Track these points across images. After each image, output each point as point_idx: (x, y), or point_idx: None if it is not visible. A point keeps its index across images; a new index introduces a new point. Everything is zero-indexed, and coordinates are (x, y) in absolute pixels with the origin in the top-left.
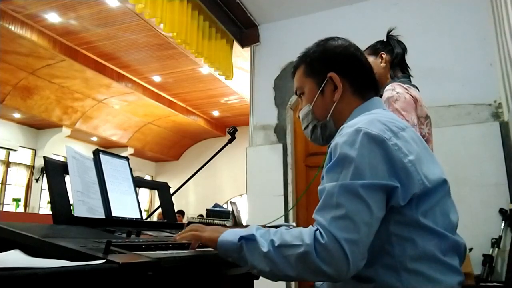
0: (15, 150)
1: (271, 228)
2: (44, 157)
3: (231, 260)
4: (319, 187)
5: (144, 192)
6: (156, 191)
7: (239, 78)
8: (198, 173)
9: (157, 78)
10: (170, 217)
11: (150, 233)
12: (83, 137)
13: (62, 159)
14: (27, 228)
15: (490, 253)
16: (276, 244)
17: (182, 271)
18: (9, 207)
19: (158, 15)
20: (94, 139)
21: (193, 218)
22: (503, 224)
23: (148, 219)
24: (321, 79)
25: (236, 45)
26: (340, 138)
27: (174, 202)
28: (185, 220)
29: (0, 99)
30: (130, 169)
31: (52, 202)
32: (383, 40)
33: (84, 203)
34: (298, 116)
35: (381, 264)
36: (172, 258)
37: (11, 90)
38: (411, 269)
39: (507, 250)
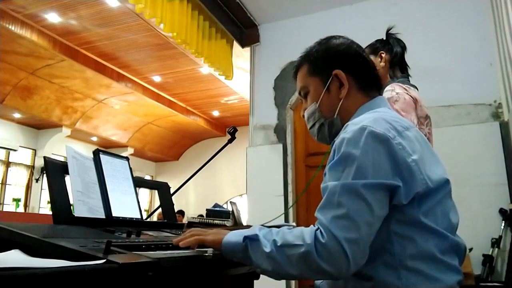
0: (15, 150)
1: (274, 228)
2: (44, 157)
3: (236, 260)
4: (322, 185)
5: (144, 192)
6: (156, 191)
7: (239, 78)
8: (198, 173)
9: (157, 78)
10: (170, 217)
11: (150, 233)
12: (83, 137)
13: (62, 159)
14: (27, 228)
15: (490, 253)
16: (278, 244)
17: (182, 271)
18: (9, 207)
19: (158, 15)
20: (94, 139)
21: (193, 218)
22: (503, 224)
23: (148, 219)
24: (326, 77)
25: (236, 45)
26: (344, 135)
27: (174, 202)
28: (185, 220)
29: (0, 99)
30: (130, 169)
31: (52, 202)
32: (382, 38)
33: (84, 203)
34: (303, 116)
35: (381, 262)
36: (172, 258)
37: (11, 90)
38: (410, 267)
39: (507, 250)
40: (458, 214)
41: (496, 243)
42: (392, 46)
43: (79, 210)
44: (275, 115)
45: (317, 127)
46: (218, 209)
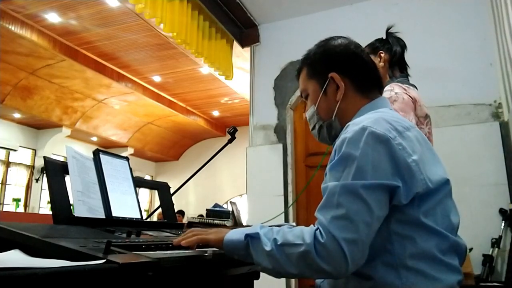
0: (15, 150)
1: (275, 227)
2: (44, 157)
3: (237, 258)
4: (322, 185)
5: (144, 192)
6: (156, 191)
7: (239, 78)
8: (198, 173)
9: (157, 78)
10: (170, 217)
11: (150, 233)
12: (83, 137)
13: (62, 159)
14: (27, 228)
15: (490, 253)
16: (278, 243)
17: (182, 271)
18: (9, 207)
19: (158, 15)
20: (94, 139)
21: (193, 218)
22: (503, 224)
23: (148, 219)
24: (323, 79)
25: (236, 45)
26: (345, 135)
27: (174, 202)
28: (185, 220)
29: (0, 99)
30: (130, 169)
31: (52, 202)
32: (382, 38)
33: (84, 203)
34: (305, 117)
35: (381, 262)
36: (172, 258)
37: (11, 90)
38: (410, 267)
39: (507, 250)
40: (459, 215)
41: (496, 243)
42: (391, 46)
43: (79, 210)
44: (275, 115)
45: (317, 129)
46: (218, 209)
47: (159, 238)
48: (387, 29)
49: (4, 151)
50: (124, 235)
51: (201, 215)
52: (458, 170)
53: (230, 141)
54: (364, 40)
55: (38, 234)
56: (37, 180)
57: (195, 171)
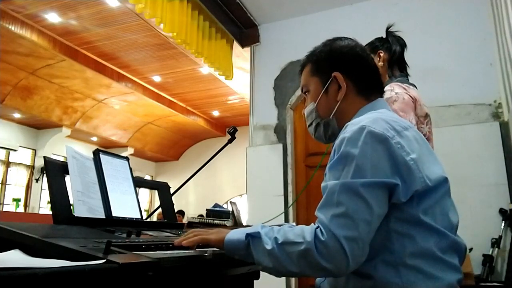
0: (15, 150)
1: (275, 226)
2: (44, 157)
3: (238, 258)
4: (322, 184)
5: (144, 192)
6: (156, 191)
7: (239, 78)
8: (198, 173)
9: (157, 78)
10: (170, 217)
11: (150, 233)
12: (83, 137)
13: (62, 159)
14: (27, 228)
15: (490, 253)
16: (279, 242)
17: (182, 271)
18: (9, 207)
19: (158, 15)
20: (94, 139)
21: (193, 218)
22: (503, 224)
23: (148, 219)
24: (326, 78)
25: (236, 45)
26: (344, 135)
27: (174, 202)
28: (185, 220)
29: (0, 99)
30: (130, 169)
31: (52, 202)
32: (382, 37)
33: (84, 203)
34: (303, 113)
35: (381, 260)
36: (172, 258)
37: (11, 90)
38: (410, 265)
39: (507, 250)
40: (458, 214)
41: (496, 243)
42: (391, 45)
43: (79, 210)
44: (275, 115)
45: (314, 126)
46: (218, 209)
47: (159, 238)
48: (387, 28)
49: (4, 151)
50: (124, 235)
51: (201, 215)
52: (458, 170)
53: (230, 141)
54: (364, 40)
55: (38, 234)
56: (37, 180)
57: (195, 171)
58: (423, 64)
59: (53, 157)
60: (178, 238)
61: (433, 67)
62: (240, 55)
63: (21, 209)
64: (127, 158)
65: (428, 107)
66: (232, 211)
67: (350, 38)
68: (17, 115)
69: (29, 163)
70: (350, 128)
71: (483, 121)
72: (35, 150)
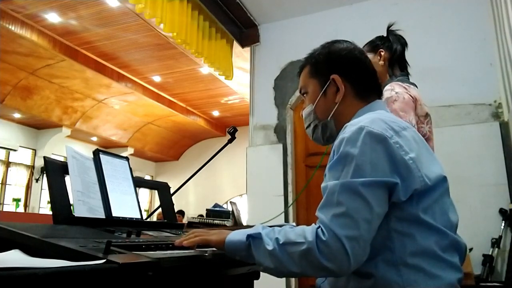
0: (15, 150)
1: (276, 227)
2: (44, 157)
3: (239, 259)
4: (322, 185)
5: (144, 192)
6: (156, 191)
7: (239, 78)
8: (198, 173)
9: (157, 78)
10: (170, 217)
11: (150, 233)
12: (83, 137)
13: (62, 159)
14: (27, 228)
15: (490, 253)
16: (280, 242)
17: (182, 271)
18: (9, 207)
19: (158, 15)
20: (94, 139)
21: (193, 218)
22: (503, 224)
23: (148, 219)
24: (324, 80)
25: (236, 45)
26: (343, 135)
27: (174, 202)
28: (185, 220)
29: (0, 99)
30: (130, 169)
31: (52, 202)
32: (382, 35)
33: (84, 203)
34: (301, 115)
35: (382, 260)
36: (172, 258)
37: (11, 90)
38: (410, 264)
39: (507, 250)
40: (458, 214)
41: (496, 243)
42: (392, 44)
43: (79, 210)
44: (275, 115)
45: (312, 128)
46: (218, 209)
47: (159, 238)
48: (388, 27)
49: (4, 151)
50: (124, 235)
51: (201, 215)
52: (458, 170)
53: (230, 141)
54: (364, 40)
55: (38, 234)
56: (37, 180)
57: (195, 171)
58: (423, 64)
59: (53, 157)
60: (178, 238)
61: (433, 67)
62: (240, 55)
63: (21, 209)
64: (127, 158)
65: (428, 107)
66: (232, 211)
67: (348, 41)
68: (17, 115)
69: (29, 163)
70: (349, 128)
71: (483, 121)
72: (35, 150)
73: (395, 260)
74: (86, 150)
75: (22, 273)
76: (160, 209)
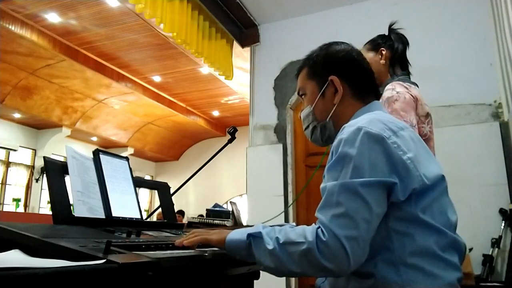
0: (15, 150)
1: (276, 226)
2: (44, 157)
3: (239, 258)
4: (321, 186)
5: (144, 192)
6: (156, 191)
7: (239, 78)
8: (198, 173)
9: (157, 78)
10: (170, 217)
11: (150, 233)
12: (83, 137)
13: (62, 159)
14: (27, 228)
15: (490, 253)
16: (281, 242)
17: (182, 271)
18: (9, 207)
19: (158, 15)
20: (94, 139)
21: (193, 218)
22: (503, 224)
23: (148, 219)
24: (322, 81)
25: (236, 45)
26: (341, 136)
27: (174, 202)
28: (185, 220)
29: (0, 99)
30: (130, 169)
31: (52, 202)
32: (384, 34)
33: (84, 203)
34: (300, 116)
35: (381, 259)
36: (172, 258)
37: (11, 90)
38: (410, 264)
39: (507, 250)
40: (457, 213)
41: (496, 243)
42: (393, 42)
43: (79, 210)
44: (275, 115)
45: (311, 129)
46: (218, 209)
47: (159, 238)
48: (390, 25)
49: (4, 151)
50: (124, 235)
51: (201, 215)
52: (458, 170)
53: (230, 141)
54: (364, 40)
55: (38, 234)
56: (37, 180)
57: (195, 171)
58: (423, 64)
59: (53, 157)
60: (178, 238)
61: (433, 67)
62: (240, 55)
63: (21, 209)
64: (127, 158)
65: (429, 107)
66: (232, 211)
67: (346, 43)
68: (17, 115)
69: (29, 163)
70: (347, 129)
71: (483, 121)
72: (35, 150)
73: (395, 260)
74: (86, 150)
75: (22, 273)
76: (160, 209)
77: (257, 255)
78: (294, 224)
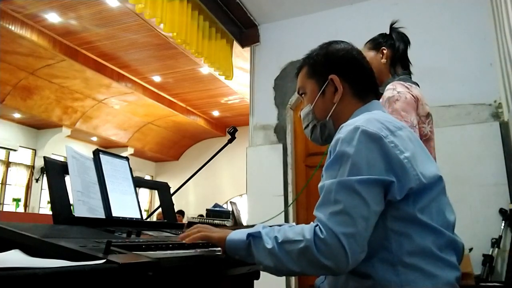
0: (15, 150)
1: (276, 226)
2: (44, 157)
3: (239, 258)
4: (319, 185)
5: (144, 192)
6: (156, 191)
7: (239, 78)
8: (198, 173)
9: (157, 78)
10: (170, 217)
11: (150, 233)
12: (83, 137)
13: (62, 159)
14: (27, 228)
15: (490, 253)
16: (279, 241)
17: (182, 271)
18: (9, 207)
19: (158, 15)
20: (94, 139)
21: (193, 218)
22: (503, 224)
23: (148, 219)
24: (322, 80)
25: (236, 45)
26: (339, 136)
27: (174, 202)
28: (185, 220)
29: (0, 99)
30: (130, 169)
31: (52, 202)
32: (385, 33)
33: (84, 203)
34: (300, 115)
35: (379, 260)
36: (172, 258)
37: (11, 90)
38: (408, 263)
39: (507, 250)
40: (455, 213)
41: (496, 243)
42: (394, 42)
43: (79, 210)
44: (275, 115)
45: (310, 128)
46: (218, 209)
47: (159, 238)
48: (391, 24)
49: (4, 151)
50: (124, 235)
51: (201, 215)
52: (458, 170)
53: (230, 141)
54: (364, 40)
55: (38, 234)
56: (37, 180)
57: (195, 171)
58: (423, 64)
59: (53, 157)
60: (182, 234)
61: (433, 67)
62: (240, 55)
63: (21, 209)
64: (127, 158)
65: (429, 107)
66: (232, 211)
67: (345, 42)
68: (17, 115)
69: (29, 163)
70: (345, 129)
71: (483, 121)
72: (35, 150)
73: (393, 259)
74: (86, 150)
75: (22, 273)
76: (160, 209)
77: (257, 254)
78: (294, 224)
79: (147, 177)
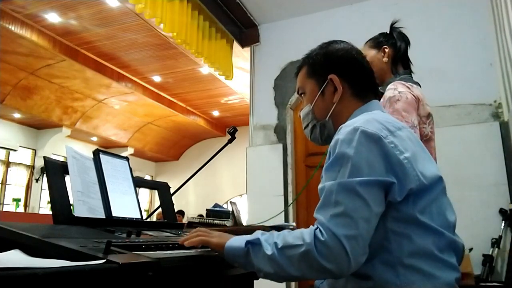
0: (15, 150)
1: (275, 232)
2: (44, 157)
3: (238, 265)
4: (319, 186)
5: (144, 192)
6: (156, 191)
7: (239, 78)
8: (198, 173)
9: (157, 78)
10: (170, 217)
11: (150, 233)
12: (83, 137)
13: (62, 159)
14: (27, 228)
15: (490, 253)
16: (279, 246)
17: (182, 271)
18: (9, 207)
19: (158, 15)
20: (94, 139)
21: (193, 218)
22: (503, 224)
23: (148, 219)
24: (322, 80)
25: (236, 45)
26: (338, 137)
27: (174, 202)
28: (185, 220)
29: (0, 99)
30: (130, 169)
31: (52, 202)
32: (386, 32)
33: (84, 203)
34: (299, 115)
35: (379, 261)
36: (172, 258)
37: (11, 90)
38: (408, 264)
39: (507, 250)
40: (455, 213)
41: (496, 243)
42: (396, 41)
43: (79, 210)
44: (275, 115)
45: (310, 128)
46: (218, 209)
47: (159, 238)
48: (392, 24)
49: (4, 151)
50: (124, 235)
51: (201, 215)
52: (458, 170)
53: (230, 141)
54: (364, 40)
55: (38, 234)
56: (37, 180)
57: (195, 171)
58: (423, 64)
59: (53, 157)
60: (178, 238)
61: (433, 67)
62: (240, 55)
63: (21, 209)
64: (127, 158)
65: (430, 107)
66: (232, 211)
67: (345, 41)
68: (17, 115)
69: (29, 163)
70: (344, 129)
71: (483, 121)
72: (35, 150)
73: (393, 260)
74: (86, 150)
75: (22, 273)
76: (160, 209)
77: (256, 262)
78: (294, 224)
79: (147, 177)
